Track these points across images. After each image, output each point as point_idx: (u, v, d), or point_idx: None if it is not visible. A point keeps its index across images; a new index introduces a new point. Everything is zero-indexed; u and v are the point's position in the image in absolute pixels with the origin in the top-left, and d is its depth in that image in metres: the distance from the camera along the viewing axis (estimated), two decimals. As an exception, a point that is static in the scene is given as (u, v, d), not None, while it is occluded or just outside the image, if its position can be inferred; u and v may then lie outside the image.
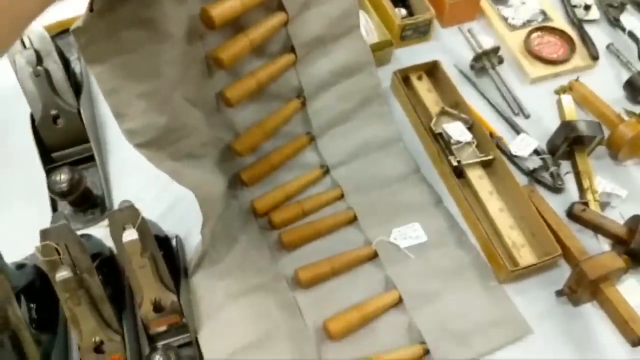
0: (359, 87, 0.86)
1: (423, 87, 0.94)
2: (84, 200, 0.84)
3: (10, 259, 0.74)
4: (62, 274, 0.67)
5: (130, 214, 0.70)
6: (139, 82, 0.64)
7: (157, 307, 0.71)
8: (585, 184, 0.82)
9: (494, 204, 0.81)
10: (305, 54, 0.80)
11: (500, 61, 0.99)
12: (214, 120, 0.77)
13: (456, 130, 0.86)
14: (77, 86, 0.92)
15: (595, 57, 0.99)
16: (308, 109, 0.84)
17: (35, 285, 0.74)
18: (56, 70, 0.88)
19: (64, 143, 0.90)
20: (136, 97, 0.64)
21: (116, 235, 0.70)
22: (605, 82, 0.98)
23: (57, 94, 0.87)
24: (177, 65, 0.67)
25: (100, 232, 0.80)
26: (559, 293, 0.73)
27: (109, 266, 0.77)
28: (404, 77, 0.95)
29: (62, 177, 0.79)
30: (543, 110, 0.94)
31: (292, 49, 0.78)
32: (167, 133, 0.68)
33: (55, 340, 0.73)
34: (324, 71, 0.82)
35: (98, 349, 0.70)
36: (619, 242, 0.76)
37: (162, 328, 0.73)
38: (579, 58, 1.00)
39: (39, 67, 0.85)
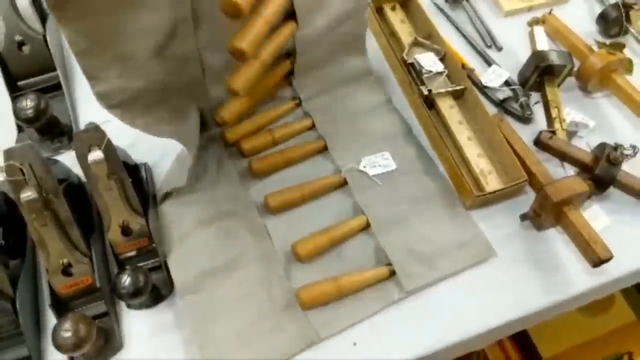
0: (346, 32, 0.84)
1: (397, 18, 0.93)
2: (51, 128, 0.83)
3: (-24, 185, 0.73)
4: (27, 194, 0.66)
5: (96, 136, 0.69)
6: (114, 45, 0.63)
7: (125, 231, 0.71)
8: (554, 113, 0.82)
9: (463, 134, 0.81)
10: (306, 18, 0.77)
11: (475, -7, 0.98)
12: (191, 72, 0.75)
13: (428, 61, 0.86)
14: (43, 12, 0.89)
15: (570, -9, 0.99)
16: (296, 61, 0.83)
17: (2, 210, 0.73)
18: (21, -5, 0.85)
19: (30, 71, 0.88)
20: (110, 60, 0.63)
21: (82, 156, 0.69)
22: (578, 17, 0.98)
23: (21, 19, 0.85)
24: (157, 30, 0.66)
25: (68, 161, 0.78)
26: (524, 217, 0.74)
27: (76, 193, 0.76)
28: (378, 8, 0.93)
29: (28, 103, 0.78)
30: (516, 43, 0.94)
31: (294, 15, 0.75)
32: (142, 97, 0.68)
33: (23, 264, 0.73)
34: (320, 27, 0.79)
35: (66, 271, 0.69)
36: (585, 169, 0.77)
37: (132, 252, 0.74)
38: (554, -9, 1.00)
39: (1, -9, 0.83)
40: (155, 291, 0.71)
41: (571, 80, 0.88)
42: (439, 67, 0.86)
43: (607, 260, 0.67)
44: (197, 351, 0.66)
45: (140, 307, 0.71)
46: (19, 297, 0.68)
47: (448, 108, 0.83)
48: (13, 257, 0.73)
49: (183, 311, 0.69)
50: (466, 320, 0.69)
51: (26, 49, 0.86)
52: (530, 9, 0.98)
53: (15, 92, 0.87)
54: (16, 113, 0.78)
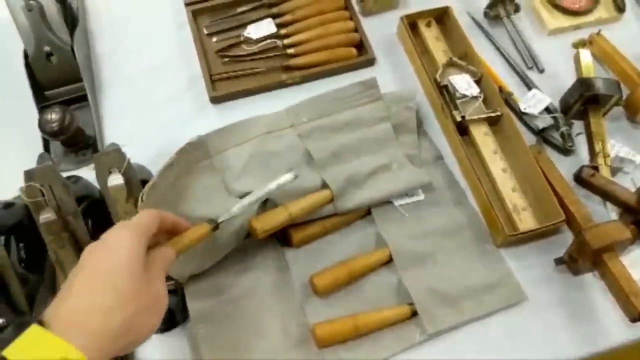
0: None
1: (431, 35, 0.89)
2: (76, 140, 0.82)
3: (1, 198, 0.73)
4: (46, 216, 0.67)
5: (116, 158, 0.69)
6: None
7: (142, 254, 0.70)
8: (597, 146, 0.77)
9: (497, 164, 0.77)
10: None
11: (517, 9, 0.92)
12: None
13: (463, 83, 0.82)
14: (72, 22, 0.89)
15: (621, 9, 0.92)
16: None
17: (24, 225, 0.73)
18: (50, 5, 0.85)
19: (57, 81, 0.87)
20: None
21: (102, 178, 0.69)
22: (629, 37, 0.91)
23: (50, 29, 0.84)
24: None
25: (92, 173, 0.77)
26: (559, 261, 0.70)
27: (98, 209, 0.75)
28: (412, 24, 0.89)
29: (53, 116, 0.77)
30: (559, 65, 0.89)
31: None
32: None
33: (43, 280, 0.73)
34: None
35: (82, 292, 0.69)
36: (628, 211, 0.72)
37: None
38: (603, 9, 0.93)
39: (31, 1, 0.82)
40: (170, 316, 0.70)
41: (619, 109, 0.82)
42: (474, 90, 0.81)
43: (647, 316, 0.62)
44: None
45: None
46: (35, 314, 0.68)
47: (482, 135, 0.79)
48: (33, 272, 0.72)
49: (197, 340, 0.67)
50: (490, 369, 0.65)
51: (54, 59, 0.85)
52: (576, 27, 0.92)
53: (42, 102, 0.86)
54: (41, 126, 0.77)
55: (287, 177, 0.66)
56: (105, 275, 0.47)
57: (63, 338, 0.42)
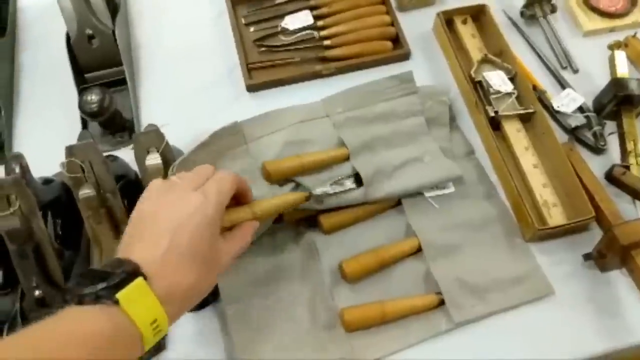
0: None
1: (467, 32, 0.89)
2: (114, 122, 0.84)
3: (40, 174, 0.75)
4: (85, 191, 0.68)
5: (155, 138, 0.70)
6: None
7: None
8: (629, 146, 0.77)
9: (528, 160, 0.77)
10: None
11: (553, 10, 0.93)
12: None
13: (497, 80, 0.82)
14: (114, 7, 0.91)
15: (657, 13, 0.92)
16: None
17: (62, 201, 0.75)
18: (93, -10, 0.87)
19: (97, 64, 0.90)
20: None
21: (140, 157, 0.70)
22: (666, 41, 0.91)
23: (92, 13, 0.86)
24: None
25: (128, 155, 0.79)
26: (587, 257, 0.70)
27: (134, 189, 0.77)
28: (448, 20, 0.90)
29: (93, 97, 0.79)
30: (593, 66, 0.89)
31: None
32: None
33: (78, 256, 0.75)
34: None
35: (117, 268, 0.71)
36: (658, 210, 0.72)
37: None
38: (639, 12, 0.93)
39: (76, -15, 0.84)
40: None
41: (651, 111, 0.82)
42: (508, 87, 0.82)
43: (675, 313, 0.62)
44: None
45: (185, 310, 0.72)
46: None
47: (515, 132, 0.80)
48: (68, 248, 0.74)
49: (227, 320, 0.68)
50: (515, 360, 0.66)
51: (95, 42, 0.88)
52: (612, 30, 0.92)
53: (82, 84, 0.88)
54: (81, 106, 0.79)
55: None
56: (187, 247, 0.50)
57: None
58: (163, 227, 0.50)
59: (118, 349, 0.44)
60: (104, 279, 0.45)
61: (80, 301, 0.45)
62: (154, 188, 0.55)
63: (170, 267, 0.48)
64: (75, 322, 0.44)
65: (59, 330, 0.43)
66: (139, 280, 0.46)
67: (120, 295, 0.44)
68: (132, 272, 0.46)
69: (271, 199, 0.65)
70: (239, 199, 0.60)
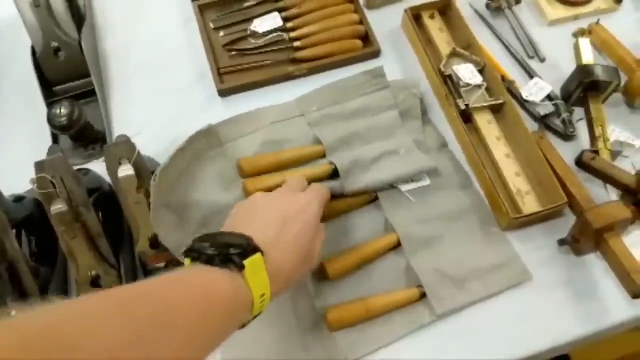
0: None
1: (435, 26, 0.90)
2: (85, 135, 0.83)
3: (12, 191, 0.74)
4: (57, 206, 0.67)
5: (126, 148, 0.70)
6: None
7: (154, 243, 0.71)
8: (597, 131, 0.78)
9: (500, 150, 0.78)
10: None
11: (518, 1, 0.94)
12: None
13: (466, 72, 0.83)
14: (79, 18, 0.90)
15: (619, 0, 0.94)
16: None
17: (35, 218, 0.74)
18: (57, 1, 0.86)
19: (65, 76, 0.89)
20: None
21: (112, 169, 0.70)
22: (627, 27, 0.92)
23: (57, 25, 0.85)
24: None
25: (101, 167, 0.79)
26: (562, 242, 0.71)
27: (108, 202, 0.77)
28: (416, 15, 0.90)
29: (62, 110, 0.78)
30: (559, 54, 0.90)
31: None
32: None
33: (54, 273, 0.74)
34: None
35: (95, 282, 0.70)
36: (628, 192, 0.73)
37: (160, 264, 0.74)
38: (602, 0, 0.95)
39: (38, -3, 0.83)
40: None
41: (617, 95, 0.83)
42: (477, 79, 0.83)
43: (648, 291, 0.64)
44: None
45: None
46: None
47: (486, 123, 0.81)
48: (44, 265, 0.73)
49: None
50: (497, 348, 0.66)
51: (62, 54, 0.87)
52: (576, 17, 0.93)
53: (50, 97, 0.87)
54: (50, 120, 0.78)
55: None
56: (295, 238, 0.56)
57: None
58: (274, 217, 0.57)
59: (233, 312, 0.48)
60: (231, 246, 0.50)
61: (209, 260, 0.48)
62: (258, 194, 0.62)
63: (279, 251, 0.54)
64: (201, 280, 0.47)
65: (185, 287, 0.46)
66: (258, 255, 0.51)
67: (246, 262, 0.49)
68: (254, 247, 0.51)
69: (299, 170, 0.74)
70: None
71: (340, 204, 0.75)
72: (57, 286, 0.73)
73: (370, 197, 0.76)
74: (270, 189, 0.69)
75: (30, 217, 0.74)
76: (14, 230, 0.73)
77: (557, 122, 0.82)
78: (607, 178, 0.75)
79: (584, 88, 0.81)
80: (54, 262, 0.74)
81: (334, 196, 0.74)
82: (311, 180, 0.72)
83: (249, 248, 0.51)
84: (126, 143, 0.70)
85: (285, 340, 0.67)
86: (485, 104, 0.81)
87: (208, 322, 0.45)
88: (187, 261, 0.50)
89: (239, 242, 0.51)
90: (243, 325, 0.51)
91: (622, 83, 0.83)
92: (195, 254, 0.50)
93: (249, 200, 0.61)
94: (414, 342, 0.67)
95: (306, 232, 0.58)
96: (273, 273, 0.52)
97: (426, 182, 0.77)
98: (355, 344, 0.66)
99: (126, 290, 0.43)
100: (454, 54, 0.86)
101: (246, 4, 0.95)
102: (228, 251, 0.49)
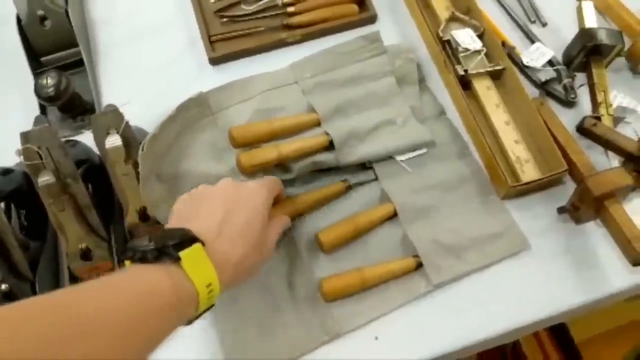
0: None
1: (433, -10, 0.87)
2: (73, 106, 0.81)
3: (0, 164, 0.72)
4: (45, 178, 0.66)
5: (113, 118, 0.68)
6: None
7: (143, 216, 0.70)
8: (600, 97, 0.76)
9: (500, 117, 0.76)
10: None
11: (519, -37, 0.91)
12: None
13: (465, 38, 0.80)
14: (65, -15, 0.87)
15: (624, -39, 0.91)
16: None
17: (24, 191, 0.72)
18: (42, -33, 0.83)
19: (52, 46, 0.86)
20: None
21: (99, 140, 0.68)
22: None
23: (43, -7, 0.83)
24: None
25: (91, 139, 0.77)
26: (561, 210, 0.70)
27: (98, 173, 0.75)
28: (413, -21, 0.87)
29: (49, 81, 0.76)
30: (562, 19, 0.87)
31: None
32: None
33: (44, 246, 0.72)
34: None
35: (85, 255, 0.69)
36: (630, 159, 0.71)
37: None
38: (606, -39, 0.91)
39: (22, -37, 0.80)
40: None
41: (621, 60, 0.81)
42: (477, 44, 0.80)
43: (648, 259, 0.62)
44: (217, 337, 0.65)
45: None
46: (38, 280, 0.68)
47: (485, 89, 0.78)
48: (34, 239, 0.72)
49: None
50: (495, 318, 0.65)
51: (48, 23, 0.84)
52: (579, -21, 0.90)
53: (38, 68, 0.85)
54: (37, 91, 0.76)
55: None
56: (242, 227, 0.55)
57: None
58: (218, 206, 0.55)
59: (173, 307, 0.46)
60: (164, 239, 0.48)
61: (142, 258, 0.47)
62: (201, 186, 0.60)
63: (224, 240, 0.53)
64: (137, 278, 0.46)
65: (121, 286, 0.45)
66: (197, 245, 0.50)
67: (182, 253, 0.47)
68: (192, 238, 0.50)
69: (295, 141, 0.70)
70: (275, 199, 0.64)
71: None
72: (47, 260, 0.71)
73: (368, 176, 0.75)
74: (267, 164, 0.68)
75: (18, 190, 0.72)
76: (2, 204, 0.71)
77: (558, 88, 0.79)
78: (608, 145, 0.73)
79: (586, 52, 0.78)
80: (45, 236, 0.73)
81: (329, 169, 0.72)
82: (307, 152, 0.71)
83: (185, 239, 0.49)
84: (114, 113, 0.68)
85: (280, 311, 0.66)
86: (484, 70, 0.79)
87: (142, 322, 0.43)
88: (127, 263, 0.49)
89: (176, 235, 0.49)
90: (191, 321, 0.50)
91: (626, 47, 0.80)
92: (130, 252, 0.48)
93: (192, 193, 0.59)
94: (411, 312, 0.66)
95: (254, 220, 0.56)
96: (219, 262, 0.50)
97: (423, 150, 0.75)
98: (350, 315, 0.66)
99: (29, 307, 0.40)
100: (452, 19, 0.84)
101: (238, -31, 0.92)
102: (164, 244, 0.48)
